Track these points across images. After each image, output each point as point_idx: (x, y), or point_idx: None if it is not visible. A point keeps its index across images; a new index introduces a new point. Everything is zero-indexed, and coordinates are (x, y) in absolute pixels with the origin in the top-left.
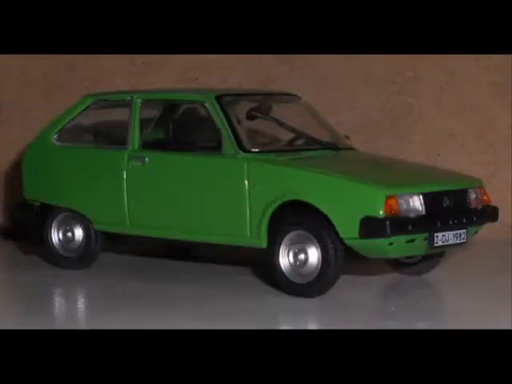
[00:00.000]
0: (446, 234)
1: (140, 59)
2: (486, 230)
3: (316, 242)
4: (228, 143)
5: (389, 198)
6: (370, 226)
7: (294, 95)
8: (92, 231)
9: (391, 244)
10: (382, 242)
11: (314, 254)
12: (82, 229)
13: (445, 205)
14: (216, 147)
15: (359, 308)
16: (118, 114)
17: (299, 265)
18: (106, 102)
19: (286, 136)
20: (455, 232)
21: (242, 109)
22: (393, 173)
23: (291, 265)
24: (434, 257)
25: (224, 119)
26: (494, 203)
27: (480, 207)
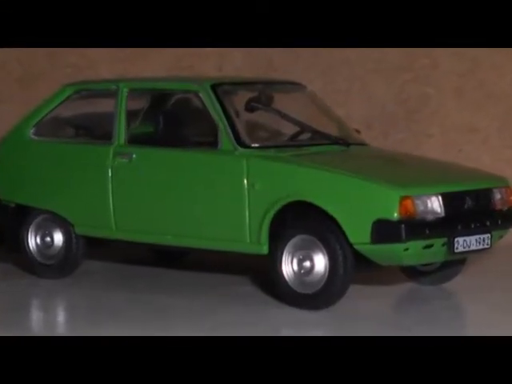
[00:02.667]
0: (468, 238)
1: None
2: None
3: (323, 247)
4: (225, 138)
5: (404, 198)
6: (383, 230)
7: (299, 84)
8: (73, 236)
9: (406, 250)
10: (396, 247)
11: (320, 261)
12: (62, 233)
13: (466, 206)
14: (211, 142)
15: (370, 321)
16: (102, 106)
17: (304, 273)
18: (88, 91)
19: (290, 130)
20: (478, 236)
21: (240, 99)
22: (408, 171)
23: (295, 273)
24: (454, 264)
25: (220, 111)
26: None
27: (505, 209)
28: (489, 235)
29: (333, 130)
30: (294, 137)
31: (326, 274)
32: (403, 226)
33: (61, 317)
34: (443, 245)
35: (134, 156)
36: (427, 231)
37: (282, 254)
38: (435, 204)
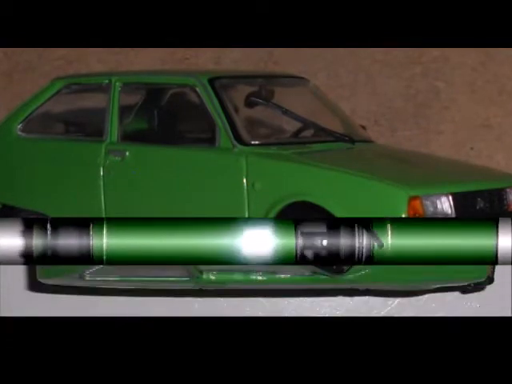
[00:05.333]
0: None
1: None
2: None
3: None
4: (223, 135)
5: (412, 199)
6: None
7: (301, 78)
8: None
9: None
10: None
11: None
12: None
13: (478, 207)
14: (209, 139)
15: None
16: (93, 100)
17: None
18: (79, 85)
19: (292, 126)
20: None
21: (239, 94)
22: (416, 169)
23: None
24: None
25: (218, 106)
26: None
27: None
28: None
29: (337, 127)
30: (296, 134)
31: None
32: None
33: None
34: None
35: (127, 154)
36: None
37: None
38: (445, 205)
